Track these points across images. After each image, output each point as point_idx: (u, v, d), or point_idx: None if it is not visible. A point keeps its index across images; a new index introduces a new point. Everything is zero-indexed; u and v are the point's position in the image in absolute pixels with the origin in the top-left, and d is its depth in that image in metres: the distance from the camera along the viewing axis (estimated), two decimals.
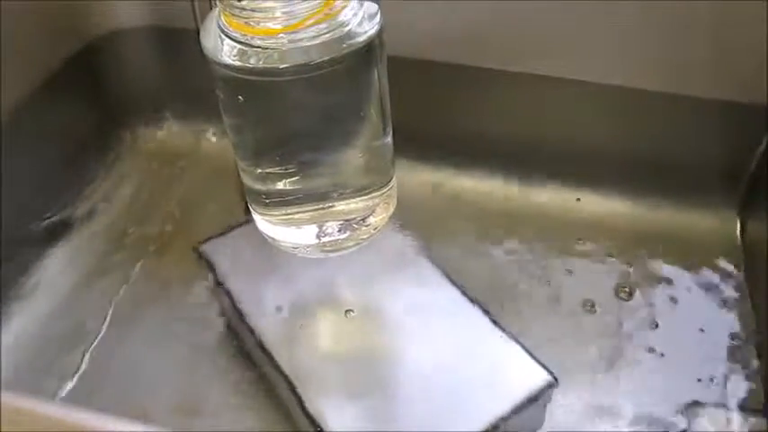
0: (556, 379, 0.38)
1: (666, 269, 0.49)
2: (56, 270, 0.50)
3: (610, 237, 0.51)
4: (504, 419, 0.36)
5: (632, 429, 0.41)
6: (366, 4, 0.35)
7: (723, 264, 0.49)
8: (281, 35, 0.32)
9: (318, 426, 0.36)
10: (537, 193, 0.54)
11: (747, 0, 0.43)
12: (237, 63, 0.33)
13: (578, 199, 0.53)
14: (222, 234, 0.44)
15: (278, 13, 0.32)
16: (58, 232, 0.52)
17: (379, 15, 0.35)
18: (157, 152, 0.59)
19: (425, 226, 0.46)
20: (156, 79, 0.57)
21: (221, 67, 0.34)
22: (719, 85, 0.47)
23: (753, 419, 0.41)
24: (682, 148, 0.51)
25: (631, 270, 0.49)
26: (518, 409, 0.36)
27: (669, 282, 0.48)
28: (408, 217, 0.45)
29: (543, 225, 0.52)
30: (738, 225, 0.51)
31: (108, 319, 0.47)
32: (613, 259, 0.50)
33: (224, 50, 0.33)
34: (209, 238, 0.44)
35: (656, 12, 0.45)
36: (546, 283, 0.48)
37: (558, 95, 0.51)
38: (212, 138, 0.58)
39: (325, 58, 0.33)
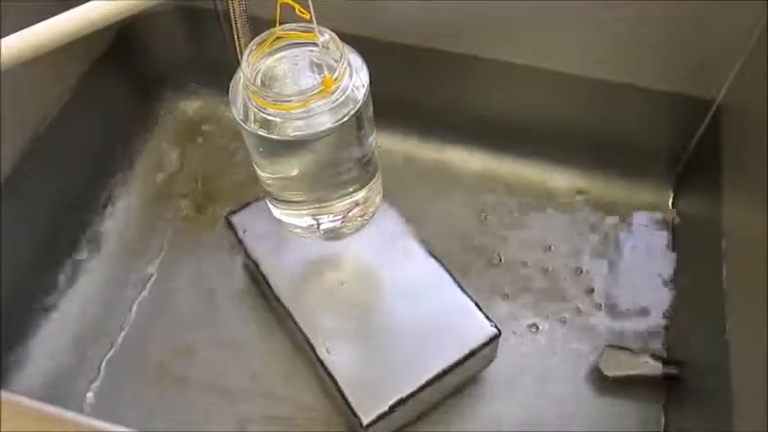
0: (500, 331, 0.48)
1: (607, 229, 0.59)
2: (105, 225, 0.60)
3: (563, 203, 0.60)
4: (453, 365, 0.47)
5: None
6: (351, 57, 0.41)
7: (656, 228, 0.59)
8: (294, 111, 0.39)
9: (323, 363, 0.47)
10: (499, 163, 0.61)
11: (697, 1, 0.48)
12: (257, 129, 0.40)
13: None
14: (246, 205, 0.53)
15: (290, 96, 0.39)
16: (104, 198, 0.60)
17: (364, 68, 0.41)
18: (189, 121, 0.65)
19: (407, 200, 0.54)
20: (183, 55, 0.61)
21: (244, 129, 0.41)
22: (667, 79, 0.53)
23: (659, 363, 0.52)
24: (630, 131, 0.57)
25: (580, 230, 0.59)
26: (465, 358, 0.47)
27: (610, 239, 0.58)
28: (392, 192, 0.52)
29: (505, 192, 0.60)
30: (671, 199, 0.59)
31: (154, 270, 0.58)
32: (566, 219, 0.59)
33: (247, 116, 0.40)
34: (236, 210, 0.53)
35: (615, 11, 0.50)
36: (504, 240, 0.58)
37: (527, 82, 0.56)
38: None
39: (330, 125, 0.40)
